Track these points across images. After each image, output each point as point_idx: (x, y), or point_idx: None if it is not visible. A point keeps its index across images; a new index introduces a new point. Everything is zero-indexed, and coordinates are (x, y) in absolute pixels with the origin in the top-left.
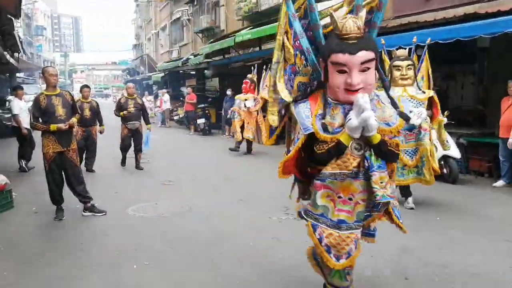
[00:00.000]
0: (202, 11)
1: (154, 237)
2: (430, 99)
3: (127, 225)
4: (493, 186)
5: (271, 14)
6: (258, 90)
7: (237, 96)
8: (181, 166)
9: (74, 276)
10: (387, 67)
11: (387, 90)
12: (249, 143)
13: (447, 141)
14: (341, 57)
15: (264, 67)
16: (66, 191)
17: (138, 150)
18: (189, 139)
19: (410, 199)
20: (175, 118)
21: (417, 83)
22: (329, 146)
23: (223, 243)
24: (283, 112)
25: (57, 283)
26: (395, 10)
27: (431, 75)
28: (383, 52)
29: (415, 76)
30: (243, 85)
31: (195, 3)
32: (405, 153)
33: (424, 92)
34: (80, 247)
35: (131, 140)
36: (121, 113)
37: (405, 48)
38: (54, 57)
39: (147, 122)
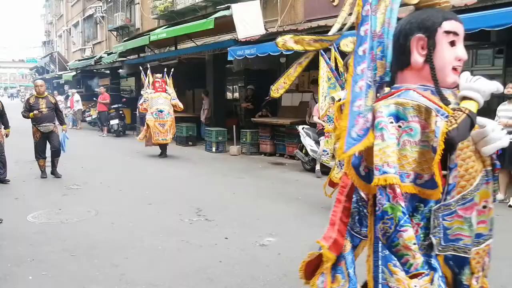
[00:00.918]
0: (116, 9)
1: (53, 245)
2: None
3: (25, 233)
4: None
5: (187, 14)
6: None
7: (153, 95)
8: (90, 170)
9: None
10: (340, 66)
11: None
12: (165, 145)
13: None
14: (455, 24)
15: (167, 70)
16: None
17: (55, 154)
18: (102, 141)
19: None
20: (88, 119)
21: None
22: (459, 118)
23: (129, 248)
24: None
25: None
26: (306, 14)
27: None
28: (333, 50)
29: None
30: (157, 84)
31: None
32: None
33: None
34: None
35: (46, 144)
36: (31, 114)
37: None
38: None
39: (62, 122)
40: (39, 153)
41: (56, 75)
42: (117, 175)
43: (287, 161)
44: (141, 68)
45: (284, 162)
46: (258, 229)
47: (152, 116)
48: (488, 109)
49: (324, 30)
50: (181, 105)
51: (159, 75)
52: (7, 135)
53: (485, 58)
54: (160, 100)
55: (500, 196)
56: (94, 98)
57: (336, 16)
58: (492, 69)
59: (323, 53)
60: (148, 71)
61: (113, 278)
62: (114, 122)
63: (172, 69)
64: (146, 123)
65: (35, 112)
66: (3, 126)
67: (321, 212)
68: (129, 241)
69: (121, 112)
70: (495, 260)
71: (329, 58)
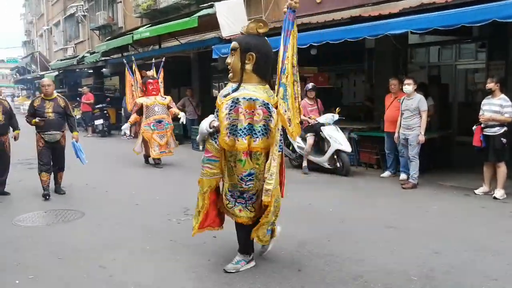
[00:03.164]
0: (98, 7)
1: (40, 248)
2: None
3: (10, 237)
4: (381, 177)
5: (170, 12)
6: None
7: (147, 102)
8: (76, 171)
9: None
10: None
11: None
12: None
13: None
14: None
15: (155, 63)
16: None
17: (59, 169)
18: (86, 141)
19: None
20: None
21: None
22: None
23: (117, 249)
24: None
25: None
26: None
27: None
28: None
29: None
30: (151, 87)
31: None
32: None
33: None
34: None
35: (51, 155)
36: (33, 120)
37: None
38: None
39: (72, 129)
40: (43, 165)
41: (38, 75)
42: (103, 176)
43: None
44: (125, 61)
45: None
46: None
47: (149, 127)
48: (474, 103)
49: (308, 27)
50: (178, 111)
51: (150, 73)
52: (15, 138)
53: (469, 52)
54: (156, 107)
55: (485, 188)
56: (78, 98)
57: (319, 14)
58: (475, 63)
59: None
60: (134, 66)
61: (100, 281)
62: (99, 122)
63: (164, 58)
64: (141, 135)
65: (37, 120)
66: (11, 129)
67: (308, 207)
68: (117, 242)
69: (105, 112)
70: (483, 252)
71: None
